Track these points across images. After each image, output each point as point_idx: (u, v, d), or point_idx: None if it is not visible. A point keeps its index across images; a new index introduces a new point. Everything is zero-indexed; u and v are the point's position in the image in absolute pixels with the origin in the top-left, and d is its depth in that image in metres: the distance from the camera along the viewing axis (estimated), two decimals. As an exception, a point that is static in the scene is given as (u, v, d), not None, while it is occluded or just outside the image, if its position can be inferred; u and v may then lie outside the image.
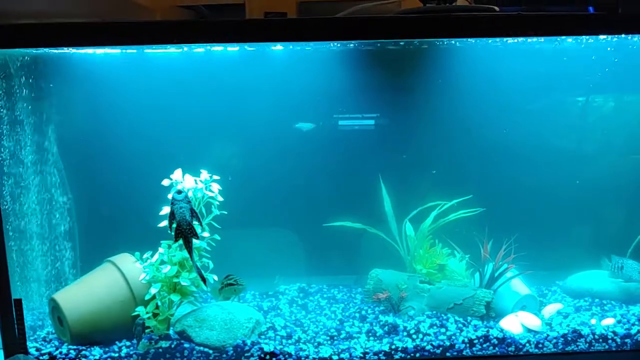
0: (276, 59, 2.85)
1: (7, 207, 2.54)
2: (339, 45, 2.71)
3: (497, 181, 3.02)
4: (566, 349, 2.57)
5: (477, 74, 2.90)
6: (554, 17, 2.39)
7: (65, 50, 2.61)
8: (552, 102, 3.05)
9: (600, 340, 2.58)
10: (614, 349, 2.57)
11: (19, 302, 2.45)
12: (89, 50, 2.65)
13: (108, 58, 2.76)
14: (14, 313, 2.45)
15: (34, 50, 2.60)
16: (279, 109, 2.97)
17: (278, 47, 2.70)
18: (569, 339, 2.58)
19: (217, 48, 2.68)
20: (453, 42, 2.73)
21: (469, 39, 2.68)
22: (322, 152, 3.05)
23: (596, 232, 3.13)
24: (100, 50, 2.65)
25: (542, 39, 2.63)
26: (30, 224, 2.72)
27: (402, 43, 2.69)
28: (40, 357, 2.47)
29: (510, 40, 2.63)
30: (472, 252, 2.90)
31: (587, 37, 2.62)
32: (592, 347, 2.58)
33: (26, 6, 2.69)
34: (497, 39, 2.66)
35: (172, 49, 2.68)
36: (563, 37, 2.64)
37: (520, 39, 2.66)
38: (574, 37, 2.63)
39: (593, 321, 2.69)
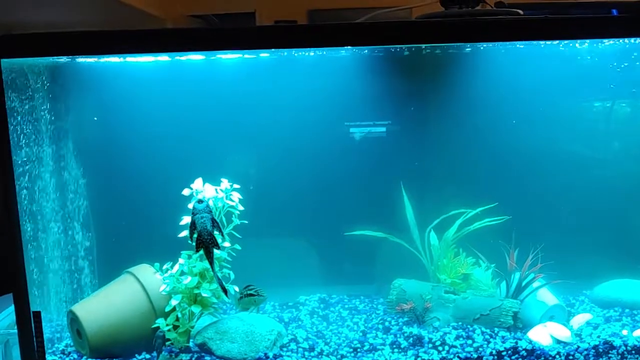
0: (296, 66, 2.82)
1: (25, 218, 2.51)
2: (359, 51, 2.68)
3: (523, 189, 2.96)
4: (598, 360, 2.50)
5: (500, 79, 2.85)
6: (579, 20, 2.35)
7: (79, 59, 2.60)
8: (579, 107, 2.99)
9: (633, 352, 2.50)
10: (647, 360, 2.49)
11: (37, 314, 2.42)
12: (104, 59, 2.64)
13: (125, 67, 2.74)
14: (33, 325, 2.42)
15: (48, 60, 2.58)
16: (299, 117, 2.93)
17: (297, 54, 2.67)
18: (600, 350, 2.50)
19: (235, 56, 2.66)
20: (475, 47, 2.69)
21: (492, 44, 2.65)
22: (342, 160, 3.00)
23: (624, 239, 3.04)
24: (115, 59, 2.63)
25: (566, 43, 2.60)
26: (48, 234, 2.69)
27: (423, 49, 2.65)
28: (59, 371, 2.44)
29: (534, 44, 2.59)
30: (498, 261, 2.83)
31: (612, 41, 2.58)
32: (625, 359, 2.50)
33: (38, 17, 2.69)
34: (521, 44, 2.62)
35: (188, 57, 2.66)
36: (588, 41, 2.60)
37: (545, 44, 2.62)
38: (599, 40, 2.59)
39: (625, 332, 2.61)
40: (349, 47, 2.56)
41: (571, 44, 2.63)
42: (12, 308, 2.60)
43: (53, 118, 2.70)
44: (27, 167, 2.54)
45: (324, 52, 2.67)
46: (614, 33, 2.43)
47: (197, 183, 2.51)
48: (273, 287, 2.82)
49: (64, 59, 2.56)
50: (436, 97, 2.94)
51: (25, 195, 2.50)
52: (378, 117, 3.01)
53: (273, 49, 2.53)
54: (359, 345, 2.59)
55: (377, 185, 3.02)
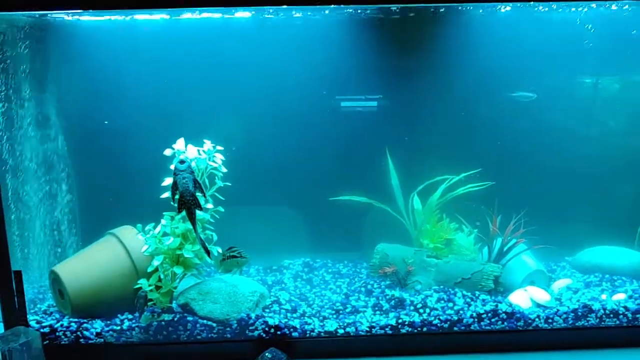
0: (284, 30, 2.77)
1: (6, 179, 2.48)
2: (349, 12, 2.63)
3: (506, 155, 2.96)
4: (576, 324, 2.53)
5: (487, 46, 2.82)
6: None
7: (65, 17, 2.54)
8: (565, 77, 2.97)
9: (612, 315, 2.53)
10: (625, 324, 2.52)
11: (18, 273, 2.41)
12: (85, 18, 2.58)
13: (107, 26, 2.68)
14: (14, 285, 2.40)
15: (35, 16, 2.53)
16: (286, 82, 2.89)
17: (284, 16, 2.62)
18: (579, 314, 2.53)
19: (222, 15, 2.61)
20: (460, 12, 2.66)
21: (480, 8, 2.62)
22: (329, 126, 2.98)
23: (606, 207, 3.06)
24: (97, 18, 2.57)
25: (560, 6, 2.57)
26: (31, 196, 2.66)
27: (411, 14, 2.62)
28: (41, 330, 2.43)
29: (522, 6, 2.56)
30: (481, 226, 2.84)
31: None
32: (603, 323, 2.53)
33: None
34: (510, 7, 2.59)
35: (175, 17, 2.61)
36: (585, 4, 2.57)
37: (536, 7, 2.59)
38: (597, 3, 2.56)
39: (604, 296, 2.64)
40: (334, 7, 2.52)
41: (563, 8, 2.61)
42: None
43: (33, 75, 2.65)
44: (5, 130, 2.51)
45: (311, 17, 2.63)
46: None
47: (179, 143, 2.48)
48: (258, 251, 2.83)
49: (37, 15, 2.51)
50: (423, 65, 2.91)
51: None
52: (364, 85, 2.97)
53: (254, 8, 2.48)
54: (341, 307, 2.61)
55: (363, 151, 3.01)
